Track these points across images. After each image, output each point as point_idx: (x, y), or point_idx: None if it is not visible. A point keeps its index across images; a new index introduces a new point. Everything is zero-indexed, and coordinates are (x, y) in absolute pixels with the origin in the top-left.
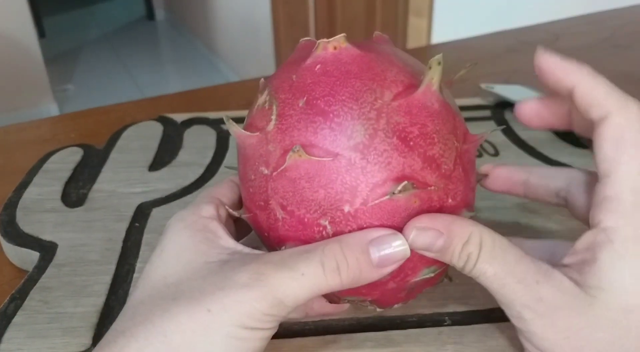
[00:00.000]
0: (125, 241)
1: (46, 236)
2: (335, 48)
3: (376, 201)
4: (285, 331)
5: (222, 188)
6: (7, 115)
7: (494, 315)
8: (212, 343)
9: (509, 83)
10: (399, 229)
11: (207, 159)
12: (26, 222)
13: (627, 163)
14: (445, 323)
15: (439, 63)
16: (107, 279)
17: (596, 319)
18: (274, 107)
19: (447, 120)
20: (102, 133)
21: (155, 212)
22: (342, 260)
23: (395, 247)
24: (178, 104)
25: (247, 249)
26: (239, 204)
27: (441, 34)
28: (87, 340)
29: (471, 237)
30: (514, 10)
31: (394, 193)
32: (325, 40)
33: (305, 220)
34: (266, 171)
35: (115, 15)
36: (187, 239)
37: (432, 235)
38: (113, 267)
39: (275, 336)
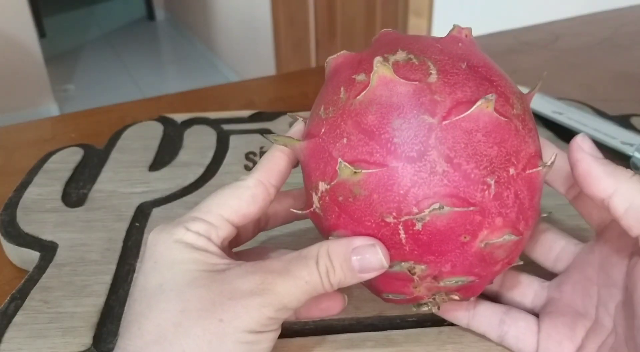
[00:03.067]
0: (125, 241)
1: (46, 236)
2: (466, 36)
3: (530, 171)
4: (286, 330)
5: (237, 200)
6: (7, 116)
7: None
8: (226, 350)
9: None
10: (537, 201)
11: (207, 159)
12: (26, 222)
13: None
14: (445, 323)
15: None
16: (108, 279)
17: None
18: (430, 64)
19: None
20: (103, 133)
21: (156, 212)
22: (330, 266)
23: (374, 256)
24: (178, 104)
25: (239, 261)
26: (256, 215)
27: (441, 33)
28: (88, 340)
29: None
30: (513, 10)
31: (545, 165)
32: (458, 25)
33: (472, 175)
34: (431, 120)
35: (116, 15)
36: (180, 251)
37: None
38: (113, 267)
39: None
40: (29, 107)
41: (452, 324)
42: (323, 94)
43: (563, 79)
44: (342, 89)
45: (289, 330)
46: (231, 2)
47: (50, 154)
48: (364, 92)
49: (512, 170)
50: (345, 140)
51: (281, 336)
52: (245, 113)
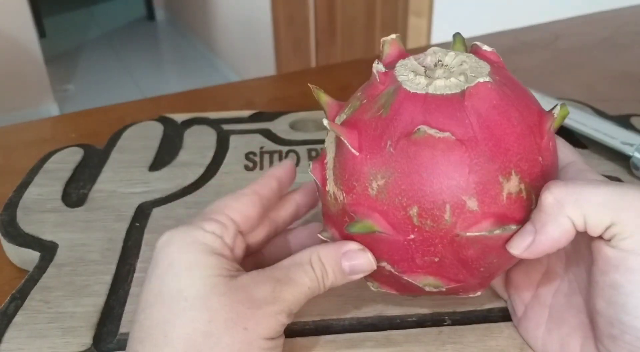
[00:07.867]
0: (125, 241)
1: (47, 236)
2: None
3: None
4: (286, 330)
5: (239, 203)
6: (7, 116)
7: (493, 315)
8: None
9: None
10: None
11: (207, 159)
12: (27, 222)
13: None
14: (445, 323)
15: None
16: (108, 279)
17: None
18: (533, 198)
19: None
20: (103, 133)
21: (156, 212)
22: (324, 270)
23: (364, 260)
24: (178, 104)
25: (241, 269)
26: (256, 220)
27: (441, 34)
28: (88, 340)
29: None
30: (513, 10)
31: None
32: (553, 116)
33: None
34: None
35: (116, 15)
36: (196, 254)
37: None
38: (113, 267)
39: None
40: (28, 107)
41: (452, 324)
42: (414, 180)
43: (563, 79)
44: (448, 208)
45: (289, 330)
46: (231, 2)
47: (50, 154)
48: (477, 234)
49: None
50: (437, 259)
51: None
52: (245, 113)
